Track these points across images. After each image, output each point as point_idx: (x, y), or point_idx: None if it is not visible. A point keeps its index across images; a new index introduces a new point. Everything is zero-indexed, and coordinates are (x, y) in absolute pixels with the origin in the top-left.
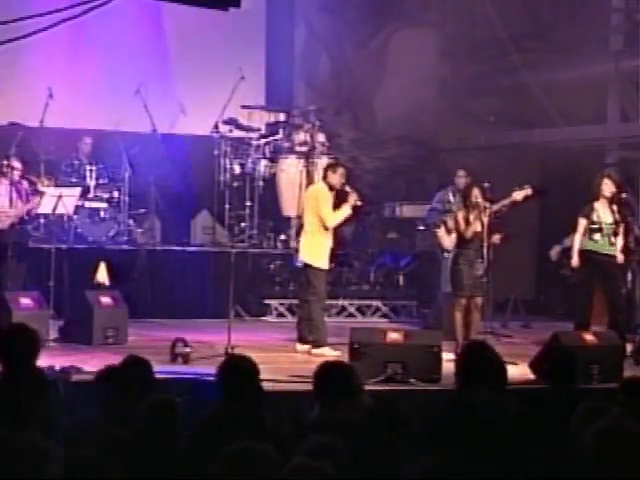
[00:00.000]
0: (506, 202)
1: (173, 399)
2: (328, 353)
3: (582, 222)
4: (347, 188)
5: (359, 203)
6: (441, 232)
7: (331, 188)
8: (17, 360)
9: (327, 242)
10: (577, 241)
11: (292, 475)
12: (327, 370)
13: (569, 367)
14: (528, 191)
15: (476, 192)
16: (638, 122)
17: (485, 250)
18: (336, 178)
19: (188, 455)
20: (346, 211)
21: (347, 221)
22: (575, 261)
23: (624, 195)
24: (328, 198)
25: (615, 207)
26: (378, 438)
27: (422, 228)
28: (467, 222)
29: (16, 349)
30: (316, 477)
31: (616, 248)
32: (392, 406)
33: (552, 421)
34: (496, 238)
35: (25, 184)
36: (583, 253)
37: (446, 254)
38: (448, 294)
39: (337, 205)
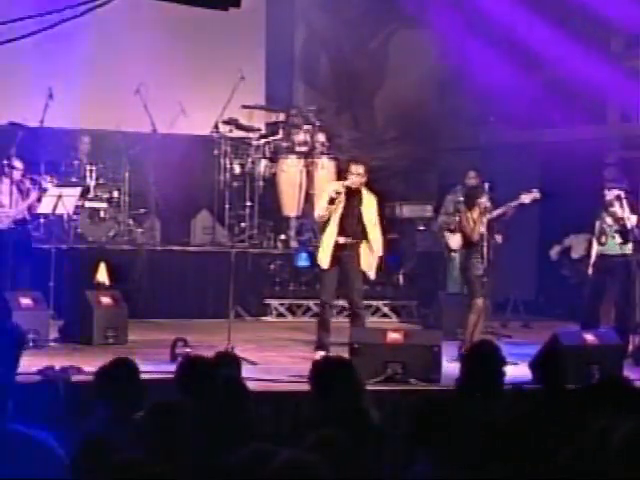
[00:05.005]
0: (514, 204)
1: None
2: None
3: (596, 224)
4: (346, 182)
5: (333, 195)
6: (447, 232)
7: (351, 188)
8: None
9: (327, 240)
10: (595, 245)
11: (282, 472)
12: (326, 366)
13: (557, 367)
14: (536, 195)
15: (484, 195)
16: (638, 122)
17: (485, 250)
18: (352, 180)
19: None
20: (323, 202)
21: (345, 218)
22: (591, 270)
23: (623, 195)
24: (325, 191)
25: (616, 208)
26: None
27: (422, 228)
28: (475, 223)
29: None
30: (307, 474)
31: (623, 247)
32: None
33: (545, 421)
34: (498, 238)
35: (27, 183)
36: (595, 258)
37: (452, 254)
38: (451, 295)
39: (352, 205)
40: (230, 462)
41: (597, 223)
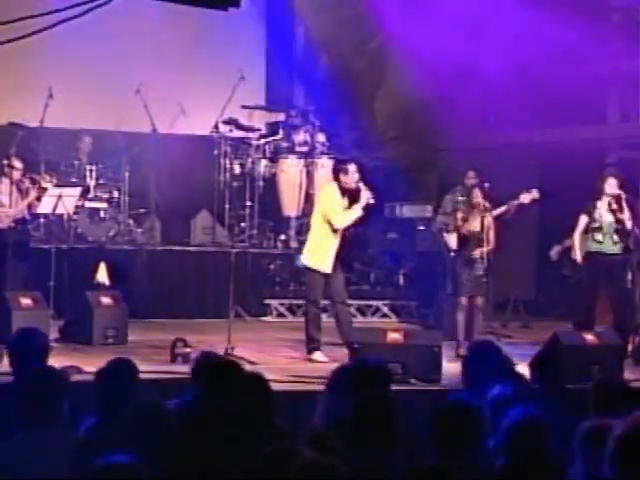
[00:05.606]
0: (514, 204)
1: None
2: (316, 358)
3: (583, 219)
4: (360, 186)
5: (371, 201)
6: (446, 233)
7: (346, 189)
8: None
9: (328, 244)
10: (577, 238)
11: (302, 473)
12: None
13: (557, 367)
14: (536, 195)
15: (476, 192)
16: (638, 122)
17: (485, 250)
18: (349, 179)
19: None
20: (357, 211)
21: (360, 221)
22: (579, 258)
23: (624, 195)
24: (335, 199)
25: (615, 206)
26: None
27: (422, 228)
28: (464, 221)
29: None
30: (325, 475)
31: (619, 247)
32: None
33: (545, 421)
34: (485, 250)
35: (27, 183)
36: (588, 255)
37: (452, 254)
38: (450, 295)
39: (352, 205)
40: (252, 461)
41: (583, 217)
